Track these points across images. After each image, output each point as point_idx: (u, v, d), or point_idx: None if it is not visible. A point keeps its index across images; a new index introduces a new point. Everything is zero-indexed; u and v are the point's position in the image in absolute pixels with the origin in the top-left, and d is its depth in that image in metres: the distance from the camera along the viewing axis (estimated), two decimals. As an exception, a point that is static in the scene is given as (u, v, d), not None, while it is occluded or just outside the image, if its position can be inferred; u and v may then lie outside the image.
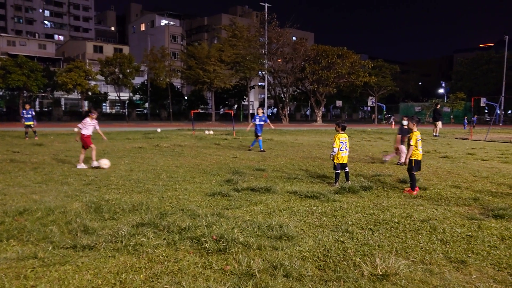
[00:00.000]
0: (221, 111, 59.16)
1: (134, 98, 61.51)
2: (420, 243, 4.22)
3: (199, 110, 57.86)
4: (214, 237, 4.12)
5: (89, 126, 9.40)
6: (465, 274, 3.47)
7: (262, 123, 13.46)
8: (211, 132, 23.97)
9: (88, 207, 5.40)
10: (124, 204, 5.50)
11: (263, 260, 3.64)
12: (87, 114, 9.41)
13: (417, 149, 6.91)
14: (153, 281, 3.21)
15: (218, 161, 10.67)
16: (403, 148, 9.79)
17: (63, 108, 56.51)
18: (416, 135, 6.98)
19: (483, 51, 79.19)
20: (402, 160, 9.03)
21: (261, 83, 60.13)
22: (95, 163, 9.14)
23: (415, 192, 6.81)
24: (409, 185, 7.02)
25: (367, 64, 52.21)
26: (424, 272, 3.47)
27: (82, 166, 9.10)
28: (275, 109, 71.47)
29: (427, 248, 4.08)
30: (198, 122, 44.06)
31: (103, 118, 55.44)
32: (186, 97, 67.24)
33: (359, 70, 49.64)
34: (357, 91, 58.68)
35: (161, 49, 49.17)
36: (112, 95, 57.39)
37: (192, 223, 4.62)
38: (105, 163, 9.09)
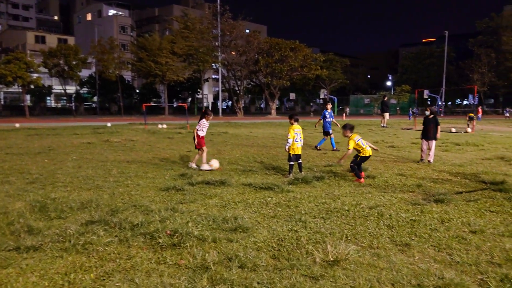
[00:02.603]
0: (175, 104, 58.16)
1: (81, 91, 58.91)
2: (369, 229, 4.42)
3: (152, 104, 56.50)
4: (168, 232, 4.07)
5: (205, 127, 8.85)
6: (409, 256, 3.68)
7: (331, 119, 12.35)
8: (164, 126, 23.51)
9: (32, 207, 5.13)
10: (72, 202, 5.28)
11: (218, 252, 3.66)
12: (203, 115, 8.85)
13: (364, 148, 7.32)
14: (104, 279, 3.13)
15: (172, 155, 10.51)
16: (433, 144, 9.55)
17: (2, 102, 53.00)
18: (353, 137, 7.39)
19: (426, 46, 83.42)
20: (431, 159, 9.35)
21: (215, 76, 59.76)
22: (193, 165, 8.62)
23: (362, 180, 7.11)
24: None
25: (319, 58, 53.40)
26: (372, 256, 3.64)
27: (205, 167, 8.36)
28: (230, 102, 71.32)
29: (375, 233, 4.27)
30: (151, 116, 43.01)
31: (48, 112, 52.71)
32: (137, 90, 65.40)
33: (311, 63, 50.65)
34: (309, 84, 59.93)
35: (110, 40, 47.33)
36: (57, 88, 54.66)
37: (145, 218, 4.53)
38: (215, 165, 8.48)
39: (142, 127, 22.96)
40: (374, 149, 7.87)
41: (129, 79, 66.92)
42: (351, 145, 7.35)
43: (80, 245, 3.74)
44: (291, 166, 7.68)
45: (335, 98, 66.86)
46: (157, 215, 4.70)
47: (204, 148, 8.72)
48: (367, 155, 7.36)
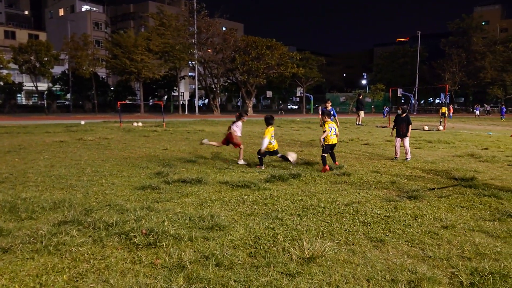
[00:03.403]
0: (150, 102, 57.34)
1: (54, 88, 57.29)
2: (344, 226, 4.48)
3: (127, 101, 55.54)
4: (144, 231, 4.02)
5: (241, 128, 9.51)
6: (383, 251, 3.75)
7: (331, 117, 12.50)
8: (140, 124, 23.16)
9: (1, 207, 4.95)
10: (44, 202, 5.13)
11: (195, 251, 3.63)
12: (239, 118, 9.45)
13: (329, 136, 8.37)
14: (77, 280, 3.05)
15: (148, 154, 10.37)
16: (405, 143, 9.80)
17: (-31, 100, 51.02)
18: (328, 124, 8.55)
19: (399, 45, 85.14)
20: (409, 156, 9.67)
21: (192, 74, 59.18)
22: (242, 161, 9.12)
23: (327, 168, 7.95)
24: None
25: (295, 56, 53.67)
26: (348, 253, 3.69)
27: (242, 162, 9.05)
28: (206, 100, 70.90)
29: (350, 230, 4.34)
30: (126, 113, 42.30)
31: (18, 110, 51.05)
32: (112, 88, 64.14)
33: (287, 62, 50.87)
34: (286, 82, 60.22)
35: (83, 36, 46.13)
36: (28, 85, 52.99)
37: (120, 218, 4.45)
38: (293, 157, 8.97)
39: (117, 125, 22.55)
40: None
41: (103, 76, 65.46)
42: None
43: (52, 246, 3.64)
44: (260, 159, 8.52)
45: (311, 96, 67.46)
46: (132, 214, 4.62)
47: (241, 146, 9.36)
48: (331, 143, 8.42)
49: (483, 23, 73.62)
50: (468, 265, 3.38)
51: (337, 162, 8.82)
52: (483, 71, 62.49)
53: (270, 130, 8.46)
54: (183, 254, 3.51)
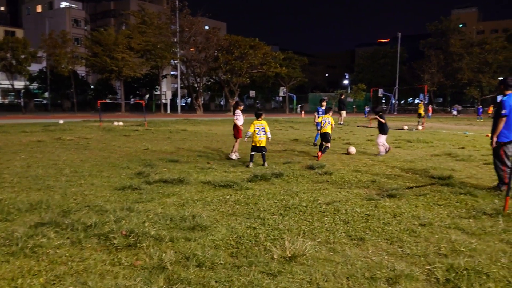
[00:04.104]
0: (132, 101, 56.56)
1: (31, 87, 55.95)
2: (325, 224, 4.52)
3: (107, 100, 54.70)
4: (124, 232, 3.97)
5: (241, 116, 9.90)
6: (363, 249, 3.81)
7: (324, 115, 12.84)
8: (121, 123, 22.86)
9: (-24, 209, 4.82)
10: (20, 204, 5.01)
11: (176, 252, 3.61)
12: (236, 106, 10.03)
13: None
14: (54, 283, 3.00)
15: (129, 154, 10.24)
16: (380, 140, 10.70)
17: None
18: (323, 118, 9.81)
19: (380, 46, 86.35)
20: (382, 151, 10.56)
21: (174, 72, 58.64)
22: (234, 155, 9.65)
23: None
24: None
25: (278, 56, 53.76)
26: (328, 251, 3.73)
27: (234, 156, 9.57)
28: (189, 99, 70.45)
29: (331, 229, 4.38)
30: (106, 113, 41.65)
31: (-6, 109, 49.68)
32: (92, 86, 63.07)
33: (270, 61, 50.90)
34: (269, 81, 60.25)
35: (62, 33, 45.16)
36: (4, 83, 51.65)
37: (99, 219, 4.38)
38: (352, 151, 10.40)
39: (97, 124, 22.18)
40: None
41: (83, 75, 64.29)
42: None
43: (28, 248, 3.56)
44: (251, 156, 8.60)
45: (294, 96, 67.75)
46: (112, 215, 4.56)
47: (239, 140, 9.78)
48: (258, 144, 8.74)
49: (461, 25, 75.35)
50: (444, 261, 3.46)
51: (320, 157, 9.58)
52: (461, 72, 63.88)
53: (256, 123, 8.63)
54: (163, 255, 3.49)
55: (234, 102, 10.14)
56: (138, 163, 8.61)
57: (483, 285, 3.04)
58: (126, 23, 51.81)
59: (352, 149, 10.79)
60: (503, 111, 6.18)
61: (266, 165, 8.42)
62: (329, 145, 10.15)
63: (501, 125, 6.22)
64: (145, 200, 5.46)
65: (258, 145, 8.54)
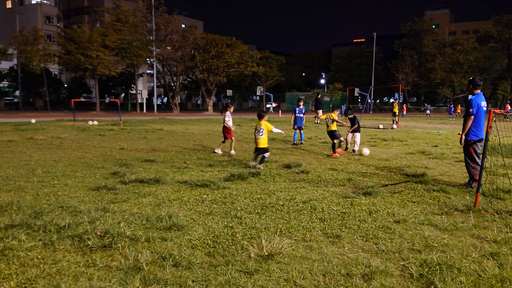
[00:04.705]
0: (107, 100, 55.53)
1: (1, 85, 54.10)
2: (302, 223, 4.56)
3: (81, 99, 53.49)
4: (98, 233, 3.89)
5: (230, 117, 10.26)
6: (339, 247, 3.86)
7: (302, 115, 12.95)
8: (95, 122, 22.40)
9: None
10: (-11, 205, 4.84)
11: (152, 252, 3.56)
12: (226, 108, 10.25)
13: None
14: (26, 287, 2.90)
15: (104, 153, 10.04)
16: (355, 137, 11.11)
17: None
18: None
19: (356, 46, 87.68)
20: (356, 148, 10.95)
21: (150, 71, 57.89)
22: (232, 152, 10.16)
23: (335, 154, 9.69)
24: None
25: (255, 55, 53.87)
26: (305, 249, 3.76)
27: (219, 151, 10.15)
28: (165, 98, 69.68)
29: (308, 227, 4.42)
30: (81, 112, 40.72)
31: (-39, 108, 47.79)
32: (65, 85, 61.55)
33: (247, 60, 50.90)
34: (246, 80, 60.34)
35: (33, 30, 43.86)
36: (-28, 81, 49.70)
37: (73, 220, 4.28)
38: (366, 152, 10.35)
39: (71, 123, 21.66)
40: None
41: (56, 73, 62.64)
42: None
43: (-3, 251, 3.44)
44: (255, 156, 8.53)
45: (271, 95, 68.05)
46: (86, 216, 4.46)
47: (230, 139, 10.19)
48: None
49: (434, 26, 77.36)
50: (418, 257, 3.54)
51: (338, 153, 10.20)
52: (434, 72, 65.59)
53: (256, 125, 8.55)
54: (139, 255, 3.44)
55: (224, 104, 10.43)
56: (113, 163, 8.45)
57: (454, 279, 3.12)
58: (101, 20, 50.86)
59: (366, 151, 10.46)
60: (471, 110, 6.38)
61: (260, 167, 8.00)
62: (342, 138, 10.55)
63: (469, 124, 6.42)
64: (121, 200, 5.37)
65: (257, 146, 8.35)
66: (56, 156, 9.44)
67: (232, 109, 10.40)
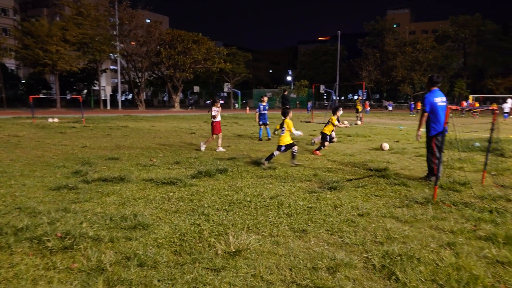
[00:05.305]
0: (68, 96, 53.60)
1: (-49, 80, 50.99)
2: (269, 218, 4.59)
3: (41, 96, 51.33)
4: (59, 234, 3.76)
5: (219, 112, 10.33)
6: (306, 241, 3.91)
7: (265, 112, 13.17)
8: (56, 120, 21.59)
9: None
10: None
11: (116, 252, 3.48)
12: (213, 103, 10.35)
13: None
14: (-20, 293, 2.77)
15: (65, 152, 9.69)
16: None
17: None
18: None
19: (321, 44, 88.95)
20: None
21: (114, 67, 56.35)
22: (220, 149, 10.27)
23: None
24: None
25: (222, 51, 53.58)
26: (272, 244, 3.79)
27: (203, 148, 10.33)
28: (130, 94, 68.09)
29: (275, 222, 4.46)
30: (40, 109, 39.05)
31: None
32: (23, 81, 58.89)
33: (214, 57, 50.57)
34: (213, 77, 59.91)
35: (-13, 23, 41.63)
36: None
37: (32, 221, 4.11)
38: (386, 147, 10.87)
39: (30, 121, 20.76)
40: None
41: (12, 68, 59.80)
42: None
43: (-52, 256, 3.25)
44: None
45: (239, 92, 67.95)
46: (46, 217, 4.29)
47: (218, 135, 10.30)
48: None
49: (395, 26, 79.59)
50: (380, 249, 3.65)
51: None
52: (395, 70, 67.54)
53: (290, 123, 8.39)
54: (103, 256, 3.35)
55: (212, 100, 10.56)
56: (75, 162, 8.18)
57: (414, 269, 3.24)
58: (61, 13, 48.93)
59: (386, 146, 10.98)
60: (425, 107, 6.66)
61: (294, 163, 8.18)
62: (326, 143, 10.31)
63: (423, 120, 6.70)
64: (83, 200, 5.21)
65: (279, 144, 8.19)
66: (13, 155, 9.03)
67: (219, 104, 10.46)
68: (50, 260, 3.31)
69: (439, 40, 69.95)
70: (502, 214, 4.76)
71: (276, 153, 8.24)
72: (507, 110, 32.48)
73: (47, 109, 40.14)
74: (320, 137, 10.52)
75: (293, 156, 8.24)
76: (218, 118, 10.29)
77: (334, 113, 10.70)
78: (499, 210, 4.93)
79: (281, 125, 8.37)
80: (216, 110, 10.26)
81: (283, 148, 8.19)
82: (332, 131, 10.46)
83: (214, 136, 10.34)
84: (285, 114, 8.51)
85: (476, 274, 3.13)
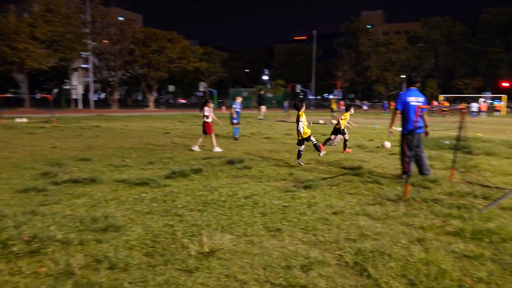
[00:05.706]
0: (37, 96, 51.94)
1: None
2: (244, 218, 4.57)
3: (8, 95, 49.60)
4: (26, 238, 3.62)
5: (211, 112, 10.45)
6: (280, 240, 3.92)
7: (239, 110, 13.53)
8: (24, 119, 20.90)
9: None
10: None
11: (85, 255, 3.38)
12: (205, 104, 10.45)
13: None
14: None
15: (33, 153, 9.39)
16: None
17: None
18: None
19: (297, 43, 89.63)
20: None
21: (86, 65, 55.00)
22: (217, 149, 10.20)
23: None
24: None
25: (198, 50, 53.19)
26: (246, 244, 3.78)
27: (196, 148, 10.22)
28: (103, 94, 66.70)
29: (250, 222, 4.44)
30: (7, 108, 37.65)
31: None
32: (-11, 80, 56.69)
33: (189, 56, 50.11)
34: (189, 76, 59.38)
35: (-50, 19, 39.85)
36: None
37: (-4, 225, 3.95)
38: (387, 145, 10.92)
39: (-4, 121, 20.01)
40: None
41: (-22, 66, 57.48)
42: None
43: None
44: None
45: (215, 91, 67.59)
46: (12, 220, 4.13)
47: (211, 135, 10.40)
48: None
49: (368, 26, 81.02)
50: (353, 246, 3.70)
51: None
52: (369, 70, 68.84)
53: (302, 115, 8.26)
54: (71, 259, 3.25)
55: (204, 101, 10.70)
56: (44, 163, 7.93)
57: (385, 265, 3.30)
58: (29, 10, 47.32)
59: (387, 144, 11.15)
60: (396, 105, 6.81)
61: (321, 154, 8.57)
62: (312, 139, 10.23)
63: (395, 118, 6.86)
64: (52, 202, 5.05)
65: (300, 137, 8.29)
66: (-22, 156, 8.67)
67: (211, 105, 10.58)
68: (16, 264, 3.19)
69: (411, 41, 71.74)
70: (469, 210, 4.91)
71: (314, 140, 8.28)
72: (474, 109, 33.64)
73: (15, 109, 38.78)
74: (337, 136, 11.05)
75: (316, 147, 8.46)
76: (210, 119, 10.48)
77: (347, 110, 11.09)
78: (467, 206, 5.09)
79: (297, 119, 8.28)
80: (208, 111, 10.41)
81: (310, 138, 8.22)
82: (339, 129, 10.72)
83: (206, 136, 10.48)
84: (298, 107, 8.43)
85: (444, 268, 3.22)
